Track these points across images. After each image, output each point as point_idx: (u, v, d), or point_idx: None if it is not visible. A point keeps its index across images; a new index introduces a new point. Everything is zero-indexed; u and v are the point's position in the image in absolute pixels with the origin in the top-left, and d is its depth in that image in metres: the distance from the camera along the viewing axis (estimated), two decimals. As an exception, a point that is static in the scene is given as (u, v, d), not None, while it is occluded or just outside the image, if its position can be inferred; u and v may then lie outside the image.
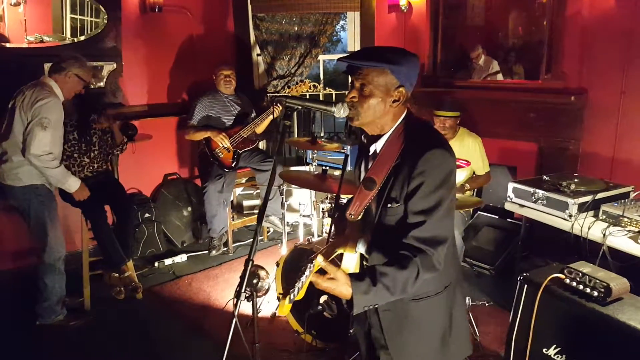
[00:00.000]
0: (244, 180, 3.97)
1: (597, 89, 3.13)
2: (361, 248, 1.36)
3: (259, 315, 2.71)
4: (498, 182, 3.42)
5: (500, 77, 3.76)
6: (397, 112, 1.30)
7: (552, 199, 2.33)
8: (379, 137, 1.33)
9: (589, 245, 2.13)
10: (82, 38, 3.45)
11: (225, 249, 3.73)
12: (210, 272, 3.40)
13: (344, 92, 2.33)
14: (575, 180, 2.42)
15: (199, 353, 2.49)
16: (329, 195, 2.97)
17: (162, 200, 3.87)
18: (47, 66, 3.10)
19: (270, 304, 2.84)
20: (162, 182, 4.04)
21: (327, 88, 4.38)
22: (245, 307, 1.46)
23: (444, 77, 3.96)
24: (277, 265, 2.57)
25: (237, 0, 4.29)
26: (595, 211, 2.25)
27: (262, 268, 2.87)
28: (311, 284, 1.13)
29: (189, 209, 3.98)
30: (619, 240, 2.05)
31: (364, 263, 1.39)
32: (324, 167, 2.75)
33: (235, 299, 1.16)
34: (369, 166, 1.34)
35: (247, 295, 1.16)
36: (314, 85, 4.04)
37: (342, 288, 1.12)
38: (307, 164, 4.09)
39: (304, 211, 3.42)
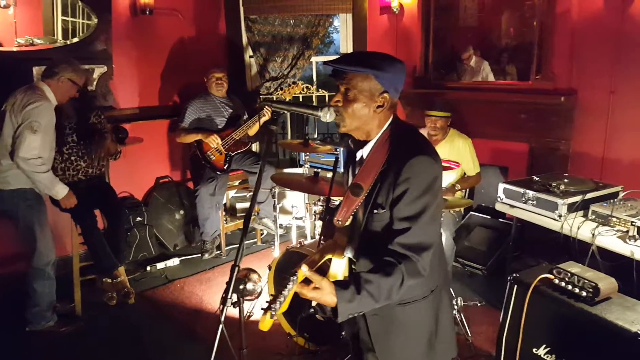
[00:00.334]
0: (236, 183, 3.96)
1: (587, 89, 3.16)
2: (349, 254, 1.36)
3: (252, 318, 2.71)
4: (490, 182, 3.44)
5: (491, 77, 3.77)
6: (382, 118, 1.31)
7: (542, 199, 2.35)
8: (365, 142, 1.34)
9: (579, 245, 2.14)
10: (75, 40, 3.42)
11: (218, 252, 3.72)
12: (202, 276, 3.39)
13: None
14: (565, 180, 2.43)
15: (192, 357, 2.47)
16: (322, 198, 2.97)
17: (154, 204, 3.85)
18: (36, 70, 3.10)
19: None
20: (154, 186, 4.02)
21: (320, 90, 4.38)
22: (237, 310, 1.46)
23: (436, 78, 3.98)
24: (270, 268, 2.57)
25: (228, 2, 4.28)
26: (585, 211, 2.27)
27: (255, 271, 2.85)
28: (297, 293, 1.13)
29: (182, 212, 3.96)
30: (608, 240, 2.06)
31: (353, 267, 1.40)
32: (315, 170, 2.75)
33: (222, 305, 1.15)
34: (356, 172, 1.34)
35: (233, 301, 1.16)
36: (307, 87, 4.05)
37: (327, 297, 1.12)
38: (301, 166, 4.09)
39: (297, 213, 3.41)
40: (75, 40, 3.43)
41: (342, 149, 3.77)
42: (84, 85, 2.99)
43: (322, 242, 1.77)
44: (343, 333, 2.11)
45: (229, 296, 1.15)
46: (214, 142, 3.50)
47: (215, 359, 1.25)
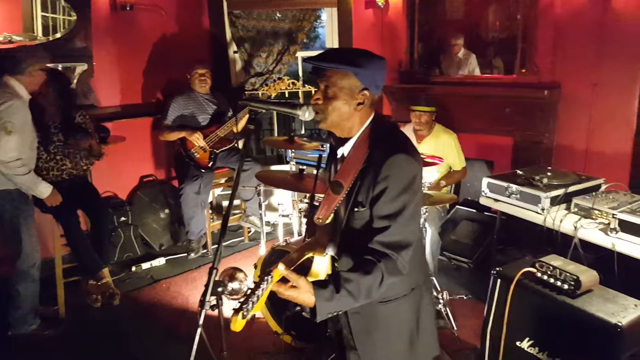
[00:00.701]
0: (222, 181, 3.92)
1: (570, 83, 3.18)
2: (331, 252, 1.35)
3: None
4: (476, 176, 3.46)
5: (477, 71, 3.78)
6: (363, 115, 1.30)
7: (525, 193, 2.36)
8: (346, 140, 1.33)
9: (562, 237, 2.16)
10: (58, 36, 3.34)
11: (204, 251, 3.68)
12: (188, 275, 3.35)
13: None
14: (548, 173, 2.45)
15: (178, 358, 2.45)
16: (308, 195, 2.95)
17: (138, 203, 3.80)
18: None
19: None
20: (138, 184, 3.96)
21: (306, 85, 4.35)
22: (224, 309, 1.45)
23: (421, 73, 3.97)
24: (255, 267, 2.55)
25: (211, -3, 4.22)
26: (568, 204, 2.29)
27: (241, 270, 2.85)
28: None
29: (167, 211, 3.91)
30: (590, 232, 2.08)
31: (336, 265, 1.39)
32: (301, 167, 2.73)
33: (200, 308, 1.14)
34: (337, 169, 1.33)
35: (212, 304, 1.14)
36: (293, 83, 4.01)
37: (305, 296, 1.11)
38: (287, 163, 4.07)
39: (283, 211, 3.39)
40: (57, 36, 3.35)
41: (328, 145, 3.76)
42: (62, 76, 2.95)
43: (306, 239, 1.75)
44: (329, 330, 2.10)
45: (207, 299, 1.13)
46: (197, 140, 3.45)
47: (196, 360, 1.23)
